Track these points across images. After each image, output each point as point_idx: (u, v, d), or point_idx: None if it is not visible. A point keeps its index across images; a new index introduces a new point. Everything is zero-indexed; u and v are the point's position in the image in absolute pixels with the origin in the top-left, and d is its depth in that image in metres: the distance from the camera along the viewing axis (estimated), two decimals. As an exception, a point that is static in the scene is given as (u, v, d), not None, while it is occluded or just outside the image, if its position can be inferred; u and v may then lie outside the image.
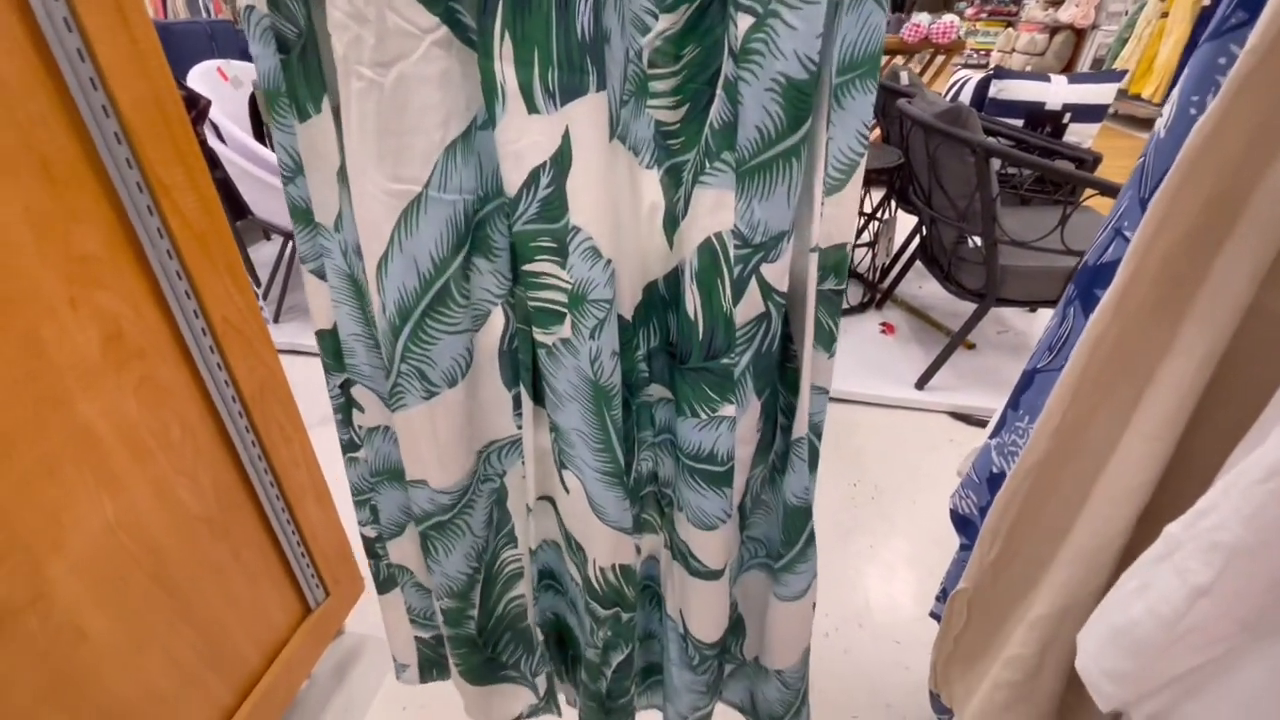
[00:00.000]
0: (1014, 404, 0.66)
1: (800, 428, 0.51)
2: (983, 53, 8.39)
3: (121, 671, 0.67)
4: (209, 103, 1.57)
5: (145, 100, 0.60)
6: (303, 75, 0.46)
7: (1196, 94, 0.45)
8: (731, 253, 0.45)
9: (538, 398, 0.55)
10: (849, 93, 0.41)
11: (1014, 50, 6.96)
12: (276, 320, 2.12)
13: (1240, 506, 0.33)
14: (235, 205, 1.95)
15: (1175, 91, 0.47)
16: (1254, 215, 0.40)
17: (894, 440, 1.62)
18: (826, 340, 0.50)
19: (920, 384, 1.75)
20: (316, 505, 0.95)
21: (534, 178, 0.43)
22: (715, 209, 0.44)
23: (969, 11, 7.68)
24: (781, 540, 0.58)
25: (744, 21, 0.37)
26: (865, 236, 2.23)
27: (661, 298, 0.51)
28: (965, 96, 2.06)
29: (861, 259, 2.35)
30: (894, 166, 1.90)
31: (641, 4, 0.41)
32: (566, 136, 0.42)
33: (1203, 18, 4.42)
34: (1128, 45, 5.14)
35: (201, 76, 1.82)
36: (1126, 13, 5.55)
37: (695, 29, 0.41)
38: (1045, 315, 1.75)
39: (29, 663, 0.58)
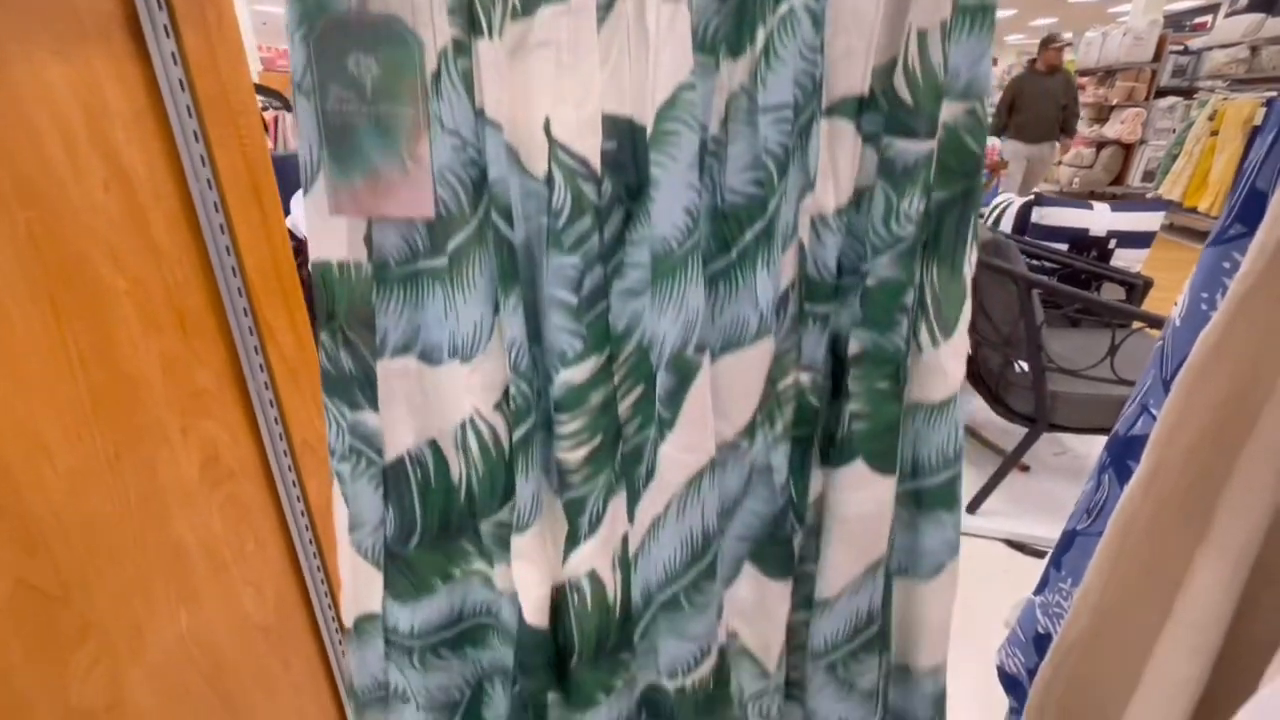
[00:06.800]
0: (1056, 564, 0.65)
1: None
2: (1028, 163, 8.51)
3: (171, 783, 0.69)
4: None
5: (265, 261, 0.71)
6: None
7: (1206, 291, 0.48)
8: None
9: None
10: None
11: (1060, 163, 7.06)
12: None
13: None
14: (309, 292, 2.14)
15: (1187, 286, 0.51)
16: (1271, 423, 0.41)
17: (945, 567, 1.55)
18: None
19: (972, 508, 1.70)
20: (364, 613, 0.98)
21: None
22: None
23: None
24: None
25: None
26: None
27: None
28: (1007, 220, 2.11)
29: (908, 372, 2.33)
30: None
31: None
32: None
33: (1254, 136, 4.45)
34: (1178, 160, 5.17)
35: (300, 200, 2.08)
36: (1174, 130, 5.62)
37: None
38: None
39: (95, 771, 0.61)
